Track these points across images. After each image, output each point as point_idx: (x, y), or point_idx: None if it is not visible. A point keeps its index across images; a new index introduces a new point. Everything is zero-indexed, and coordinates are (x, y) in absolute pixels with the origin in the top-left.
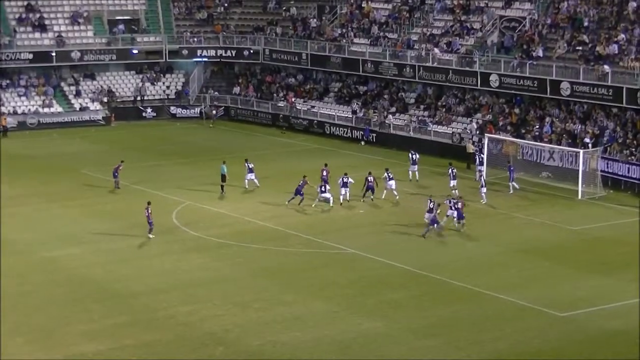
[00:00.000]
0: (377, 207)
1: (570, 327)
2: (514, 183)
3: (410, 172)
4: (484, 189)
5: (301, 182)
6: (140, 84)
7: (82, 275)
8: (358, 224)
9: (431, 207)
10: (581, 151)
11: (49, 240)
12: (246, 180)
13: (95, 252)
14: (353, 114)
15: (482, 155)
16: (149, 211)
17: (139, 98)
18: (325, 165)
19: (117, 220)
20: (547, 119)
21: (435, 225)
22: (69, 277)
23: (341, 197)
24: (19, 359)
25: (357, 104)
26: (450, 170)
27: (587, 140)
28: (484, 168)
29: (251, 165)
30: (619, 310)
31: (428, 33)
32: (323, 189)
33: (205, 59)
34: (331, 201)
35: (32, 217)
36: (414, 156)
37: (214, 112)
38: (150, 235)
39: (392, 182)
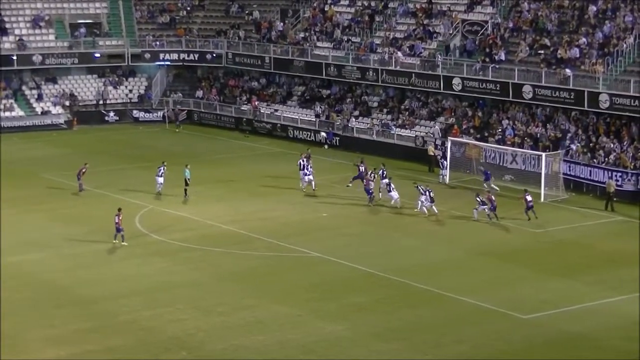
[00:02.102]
0: (342, 209)
1: (534, 330)
2: (492, 184)
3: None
4: (423, 197)
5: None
6: (103, 88)
7: (44, 280)
8: (322, 227)
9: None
10: (543, 154)
11: (10, 245)
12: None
13: (57, 257)
14: (316, 117)
15: (444, 161)
16: (120, 217)
17: (101, 102)
18: (362, 161)
19: (80, 225)
20: (508, 122)
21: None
22: (31, 283)
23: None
24: None
25: (320, 107)
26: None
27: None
28: (446, 172)
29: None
30: (581, 312)
31: (391, 37)
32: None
33: (168, 63)
34: (398, 201)
35: None
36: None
37: (178, 116)
38: (124, 243)
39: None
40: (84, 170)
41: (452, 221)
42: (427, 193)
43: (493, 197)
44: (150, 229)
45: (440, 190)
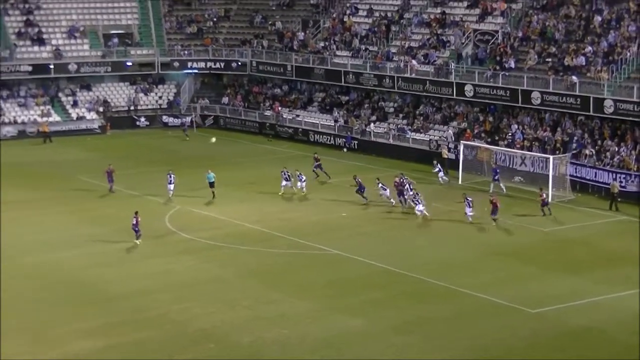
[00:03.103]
0: (360, 210)
1: (542, 324)
2: (500, 184)
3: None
4: (420, 206)
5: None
6: (134, 95)
7: (77, 277)
8: (341, 226)
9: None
10: (551, 157)
11: (44, 244)
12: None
13: (89, 255)
14: (335, 122)
15: (438, 168)
16: (137, 220)
17: (132, 108)
18: (402, 174)
19: (111, 224)
20: (518, 126)
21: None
22: (64, 280)
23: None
24: (16, 358)
25: (338, 112)
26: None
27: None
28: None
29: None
30: (587, 307)
31: (406, 46)
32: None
33: (196, 71)
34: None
35: (27, 222)
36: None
37: (187, 123)
38: (137, 241)
39: (388, 192)
40: (111, 170)
41: (465, 221)
42: (416, 195)
43: (495, 201)
44: (179, 228)
45: (453, 191)
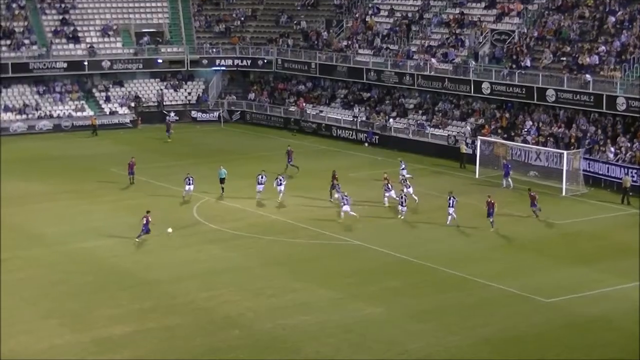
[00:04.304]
0: (378, 203)
1: (554, 313)
2: (509, 180)
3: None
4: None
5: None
6: (164, 91)
7: (110, 264)
8: (361, 217)
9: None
10: (565, 152)
11: (78, 233)
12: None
13: (121, 244)
14: (354, 118)
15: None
16: (149, 219)
17: (163, 103)
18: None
19: (142, 214)
20: (533, 123)
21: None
22: (98, 267)
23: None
24: (52, 340)
25: (359, 109)
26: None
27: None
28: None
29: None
30: (598, 297)
31: (426, 45)
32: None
33: (223, 68)
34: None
35: (63, 212)
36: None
37: (171, 121)
38: (137, 239)
39: (392, 193)
40: (133, 162)
41: (480, 214)
42: (345, 196)
43: (493, 202)
44: (206, 219)
45: (469, 186)
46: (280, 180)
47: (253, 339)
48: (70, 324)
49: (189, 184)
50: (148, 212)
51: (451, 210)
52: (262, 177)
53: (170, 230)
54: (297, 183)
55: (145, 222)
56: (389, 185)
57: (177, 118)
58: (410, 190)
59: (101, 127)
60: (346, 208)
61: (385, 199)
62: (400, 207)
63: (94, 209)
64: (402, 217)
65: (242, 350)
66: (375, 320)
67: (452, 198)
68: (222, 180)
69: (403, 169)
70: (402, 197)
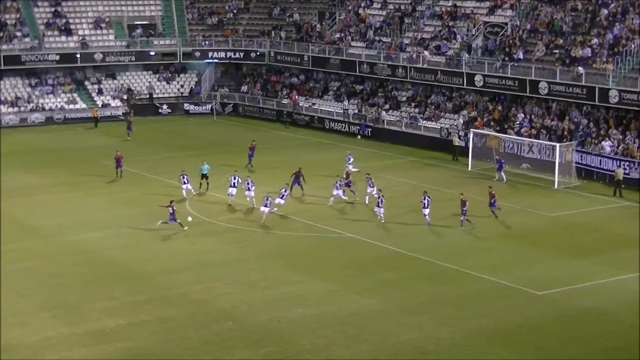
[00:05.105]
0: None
1: (548, 305)
2: (502, 173)
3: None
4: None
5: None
6: (157, 83)
7: (104, 257)
8: (355, 211)
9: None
10: (557, 145)
11: (73, 225)
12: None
13: (115, 236)
14: (344, 111)
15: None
16: (174, 208)
17: (155, 96)
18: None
19: (136, 207)
20: (525, 115)
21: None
22: (92, 259)
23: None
24: (46, 332)
25: (349, 102)
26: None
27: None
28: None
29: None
30: (592, 289)
31: (419, 37)
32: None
33: (216, 61)
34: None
35: (58, 204)
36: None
37: (130, 118)
38: (185, 228)
39: (373, 189)
40: (120, 156)
41: (474, 206)
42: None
43: (494, 192)
44: (200, 212)
45: (461, 178)
46: (249, 184)
47: (247, 332)
48: (64, 316)
49: (185, 182)
50: (172, 201)
51: (426, 211)
52: (234, 178)
53: (190, 219)
54: (289, 176)
55: (171, 211)
56: (349, 182)
57: (170, 110)
58: (373, 190)
59: (93, 119)
60: (264, 209)
61: (339, 193)
62: (377, 209)
63: (88, 201)
64: (383, 221)
65: (236, 342)
66: (370, 312)
67: (426, 198)
68: (203, 176)
69: (350, 163)
70: (379, 197)
